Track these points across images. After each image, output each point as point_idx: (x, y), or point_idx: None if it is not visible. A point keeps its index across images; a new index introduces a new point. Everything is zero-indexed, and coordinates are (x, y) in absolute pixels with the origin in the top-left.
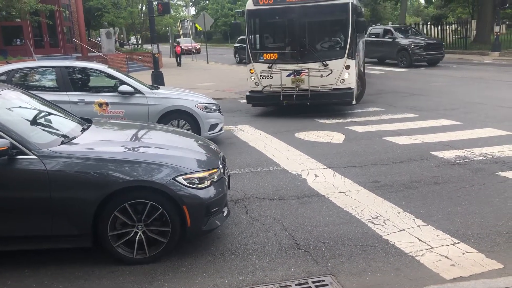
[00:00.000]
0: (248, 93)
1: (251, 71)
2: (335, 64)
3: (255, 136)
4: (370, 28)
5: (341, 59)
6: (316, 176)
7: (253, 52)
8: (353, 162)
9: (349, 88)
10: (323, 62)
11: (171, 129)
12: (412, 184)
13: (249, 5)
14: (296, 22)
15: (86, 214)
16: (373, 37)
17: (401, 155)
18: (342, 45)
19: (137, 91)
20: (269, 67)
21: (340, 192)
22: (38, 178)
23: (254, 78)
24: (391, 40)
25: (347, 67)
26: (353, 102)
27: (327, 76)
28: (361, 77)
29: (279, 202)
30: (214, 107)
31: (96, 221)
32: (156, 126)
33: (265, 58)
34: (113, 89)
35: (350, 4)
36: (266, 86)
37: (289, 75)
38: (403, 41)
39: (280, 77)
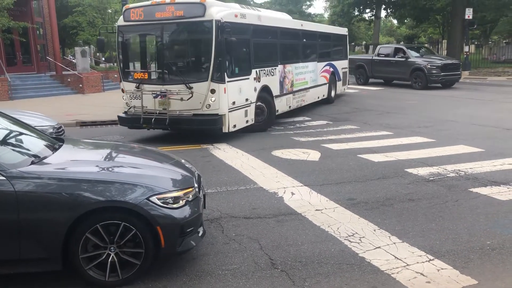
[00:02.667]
0: (119, 114)
1: (122, 90)
2: (199, 88)
3: (232, 154)
4: (378, 47)
5: (205, 82)
6: (292, 194)
7: (124, 71)
8: (329, 180)
9: (216, 115)
10: (187, 85)
11: (146, 148)
12: (387, 201)
13: (120, 21)
14: (163, 41)
15: (56, 236)
16: (382, 57)
17: (376, 172)
18: (206, 67)
19: None
20: (137, 87)
21: (317, 210)
22: (6, 200)
23: (125, 98)
24: (403, 59)
25: (212, 91)
26: (225, 130)
27: (188, 100)
28: (268, 103)
29: (256, 221)
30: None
31: (66, 243)
32: (130, 145)
33: (134, 77)
34: None
35: (214, 21)
36: (131, 107)
37: (155, 96)
38: (418, 60)
39: (144, 99)
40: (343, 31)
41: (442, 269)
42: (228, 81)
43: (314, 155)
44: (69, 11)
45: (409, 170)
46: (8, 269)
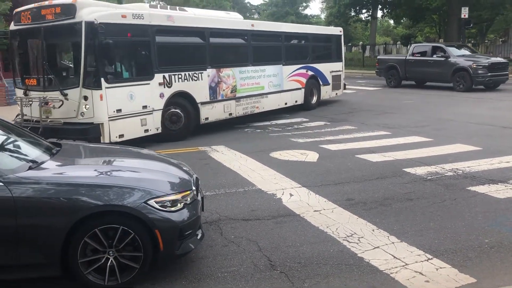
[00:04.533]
0: None
1: (15, 98)
2: (73, 94)
3: (230, 157)
4: (412, 46)
5: (77, 88)
6: (291, 195)
7: (16, 78)
8: (327, 180)
9: (90, 123)
10: (62, 92)
11: (144, 152)
12: (385, 201)
13: (11, 25)
14: (43, 45)
15: (55, 241)
16: (417, 56)
17: (374, 172)
18: (78, 72)
19: None
20: (25, 94)
21: (315, 210)
22: (4, 206)
23: (19, 106)
24: (443, 59)
25: (85, 98)
26: (106, 140)
27: (59, 107)
28: (187, 110)
29: (255, 222)
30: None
31: (65, 248)
32: (128, 148)
33: (22, 84)
34: None
35: (83, 23)
36: (17, 115)
37: (40, 104)
38: (460, 60)
39: (32, 106)
40: (334, 31)
41: (441, 268)
42: (107, 87)
43: (312, 156)
44: None
45: (407, 170)
46: (7, 275)
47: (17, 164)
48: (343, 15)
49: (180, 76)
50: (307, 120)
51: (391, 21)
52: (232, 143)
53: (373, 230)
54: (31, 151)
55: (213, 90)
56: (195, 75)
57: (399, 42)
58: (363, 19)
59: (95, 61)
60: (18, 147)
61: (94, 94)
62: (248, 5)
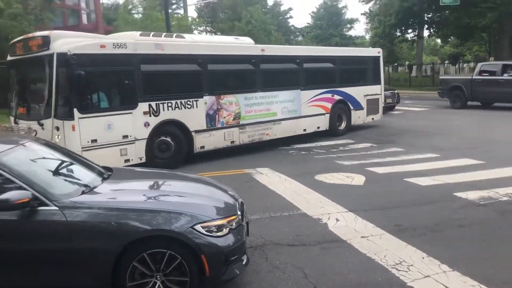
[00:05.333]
0: None
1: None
2: (47, 125)
3: (275, 179)
4: (479, 65)
5: (49, 119)
6: (337, 220)
7: (10, 106)
8: (374, 205)
9: None
10: (39, 122)
11: (190, 176)
12: (436, 227)
13: (8, 56)
14: (26, 76)
15: (106, 264)
16: (485, 76)
17: (423, 196)
18: (50, 103)
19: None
20: (15, 122)
21: (362, 236)
22: (59, 229)
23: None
24: None
25: (57, 128)
26: None
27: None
28: (179, 139)
29: (300, 248)
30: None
31: (115, 272)
32: (175, 173)
33: (15, 113)
34: None
35: (55, 54)
36: None
37: (25, 133)
38: None
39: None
40: (371, 52)
41: None
42: (81, 118)
43: (358, 179)
44: None
45: (458, 194)
46: None
47: (71, 189)
48: (388, 36)
49: (170, 104)
50: (353, 142)
51: (438, 40)
52: (277, 165)
53: (423, 258)
54: (84, 176)
55: (211, 117)
56: (188, 103)
57: (447, 61)
58: (409, 39)
59: (67, 91)
60: (72, 171)
61: (65, 124)
62: (292, 27)
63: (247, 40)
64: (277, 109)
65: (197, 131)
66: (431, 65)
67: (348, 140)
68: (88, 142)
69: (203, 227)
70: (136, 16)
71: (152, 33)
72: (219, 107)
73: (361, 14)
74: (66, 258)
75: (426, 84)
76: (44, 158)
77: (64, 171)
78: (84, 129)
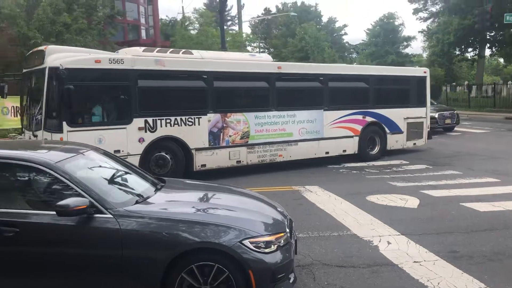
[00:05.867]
0: None
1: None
2: (39, 136)
3: (324, 198)
4: None
5: (40, 131)
6: (388, 243)
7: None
8: (428, 229)
9: None
10: (33, 133)
11: (239, 190)
12: (495, 256)
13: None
14: (28, 88)
15: (155, 274)
16: None
17: (481, 223)
18: (41, 116)
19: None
20: (21, 132)
21: (415, 261)
22: (112, 237)
23: None
24: None
25: (61, 139)
26: None
27: None
28: (176, 156)
29: (349, 270)
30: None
31: (163, 282)
32: (225, 186)
33: (21, 122)
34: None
35: (47, 68)
36: None
37: None
38: None
39: None
40: (415, 72)
41: None
42: (70, 131)
43: (412, 202)
44: None
45: None
46: None
47: (126, 198)
48: (447, 54)
49: (168, 120)
50: (407, 162)
51: (501, 59)
52: (327, 184)
53: None
54: (138, 186)
55: (215, 135)
56: (189, 120)
57: (510, 82)
58: (469, 58)
59: (57, 105)
60: (127, 181)
61: (53, 137)
62: (346, 44)
63: (265, 57)
64: (293, 130)
65: (198, 149)
66: (492, 86)
67: (402, 161)
68: None
69: (251, 243)
70: (192, 32)
71: (157, 48)
72: (224, 125)
73: (419, 32)
74: (117, 265)
75: (486, 105)
76: (101, 167)
77: (119, 180)
78: None
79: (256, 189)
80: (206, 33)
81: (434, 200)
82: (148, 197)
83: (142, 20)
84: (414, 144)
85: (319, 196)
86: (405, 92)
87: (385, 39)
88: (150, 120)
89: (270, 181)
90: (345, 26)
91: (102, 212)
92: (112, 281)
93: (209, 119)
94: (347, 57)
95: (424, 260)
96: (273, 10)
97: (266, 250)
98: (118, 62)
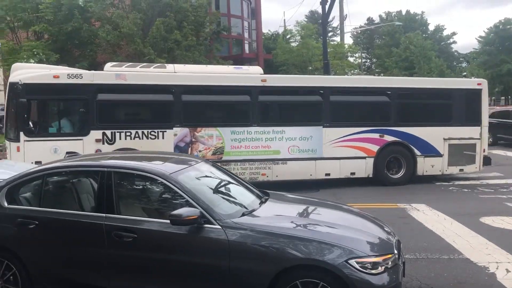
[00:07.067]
0: None
1: None
2: (4, 145)
3: (432, 217)
4: None
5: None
6: (507, 271)
7: None
8: None
9: None
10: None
11: (343, 206)
12: None
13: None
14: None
15: (260, 287)
16: None
17: None
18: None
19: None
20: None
21: None
22: (220, 248)
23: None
24: None
25: (5, 148)
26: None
27: None
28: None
29: None
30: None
31: None
32: (328, 202)
33: None
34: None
35: (9, 84)
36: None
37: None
38: None
39: None
40: (463, 84)
41: None
42: (26, 140)
43: None
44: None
45: None
46: None
47: (233, 210)
48: None
49: (128, 133)
50: None
51: None
52: (435, 202)
53: None
54: (244, 198)
55: (182, 150)
56: (152, 133)
57: None
58: None
59: (15, 117)
60: (234, 193)
61: (11, 146)
62: (455, 53)
63: (254, 70)
64: (281, 147)
65: None
66: None
67: None
68: (32, 163)
69: (357, 263)
70: (293, 44)
71: (127, 64)
72: (193, 139)
73: None
74: (222, 275)
75: None
76: (211, 179)
77: (227, 192)
78: (29, 151)
79: (358, 205)
80: (307, 45)
81: None
82: (253, 210)
83: (246, 35)
84: (461, 170)
85: (427, 215)
86: (445, 108)
87: (500, 47)
88: (108, 132)
89: (372, 197)
90: (453, 34)
91: (211, 223)
92: None
93: (175, 133)
94: (456, 67)
95: None
96: (376, 20)
97: (373, 271)
98: (77, 77)
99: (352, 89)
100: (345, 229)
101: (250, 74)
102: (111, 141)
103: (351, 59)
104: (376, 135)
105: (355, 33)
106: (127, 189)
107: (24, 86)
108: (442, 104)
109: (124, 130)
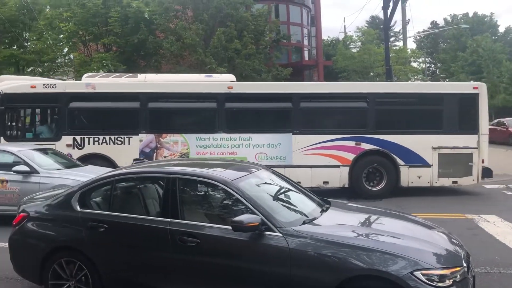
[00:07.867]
0: None
1: None
2: None
3: (504, 230)
4: None
5: None
6: None
7: None
8: None
9: None
10: None
11: (408, 216)
12: None
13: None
14: None
15: None
16: None
17: None
18: None
19: (33, 170)
20: None
21: None
22: (280, 255)
23: None
24: None
25: None
26: None
27: None
28: None
29: None
30: None
31: None
32: (391, 212)
33: None
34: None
35: None
36: None
37: None
38: None
39: None
40: (456, 88)
41: None
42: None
43: None
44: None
45: None
46: None
47: (294, 217)
48: None
49: (96, 139)
50: None
51: None
52: (507, 213)
53: None
54: (305, 206)
55: (147, 155)
56: (118, 139)
57: None
58: None
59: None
60: (295, 200)
61: None
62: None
63: (225, 78)
64: (248, 154)
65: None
66: None
67: None
68: None
69: (423, 275)
70: (353, 50)
71: (101, 74)
72: (158, 145)
73: None
74: (283, 283)
75: None
76: (271, 186)
77: (288, 199)
78: None
79: (423, 215)
80: (368, 51)
81: None
82: (314, 218)
83: (305, 42)
84: (455, 182)
85: (498, 227)
86: (434, 114)
87: None
88: (78, 138)
89: (438, 207)
90: None
91: (272, 230)
92: None
93: (141, 139)
94: None
95: None
96: (441, 23)
97: (440, 285)
98: (51, 87)
99: (324, 95)
100: (410, 240)
101: (217, 82)
102: (81, 146)
103: (414, 64)
104: (351, 143)
105: (418, 38)
106: (190, 195)
107: (4, 96)
108: (430, 110)
109: (92, 136)
